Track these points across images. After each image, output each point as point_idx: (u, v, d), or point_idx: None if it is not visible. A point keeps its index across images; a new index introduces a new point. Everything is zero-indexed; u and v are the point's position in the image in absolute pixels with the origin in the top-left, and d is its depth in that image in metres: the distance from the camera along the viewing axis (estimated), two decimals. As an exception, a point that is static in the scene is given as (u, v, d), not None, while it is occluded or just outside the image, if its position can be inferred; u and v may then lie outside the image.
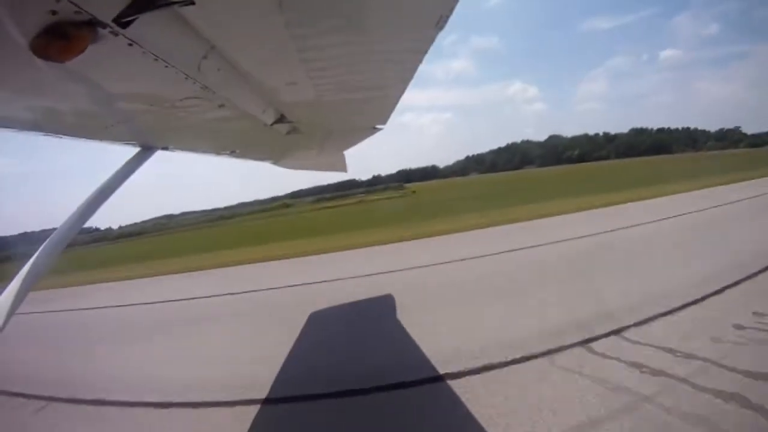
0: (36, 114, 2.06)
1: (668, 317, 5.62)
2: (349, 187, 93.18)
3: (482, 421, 3.85)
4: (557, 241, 11.91)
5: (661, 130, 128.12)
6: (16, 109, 1.95)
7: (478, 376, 4.78)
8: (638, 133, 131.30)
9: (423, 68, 2.32)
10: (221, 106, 2.35)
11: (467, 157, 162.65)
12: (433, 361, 5.23)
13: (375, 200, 61.27)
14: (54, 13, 1.13)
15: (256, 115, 2.70)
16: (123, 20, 1.26)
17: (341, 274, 11.55)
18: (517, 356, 5.03)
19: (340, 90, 2.59)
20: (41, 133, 2.31)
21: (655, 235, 11.49)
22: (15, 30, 1.16)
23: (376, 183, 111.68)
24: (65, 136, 2.47)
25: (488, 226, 17.23)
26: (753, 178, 21.96)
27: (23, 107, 1.95)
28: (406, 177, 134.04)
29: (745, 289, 6.34)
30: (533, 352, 5.08)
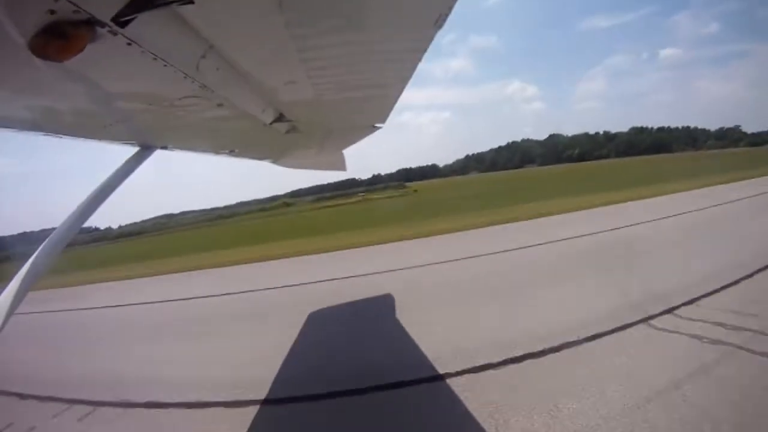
0: (35, 113, 2.06)
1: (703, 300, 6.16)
2: (349, 186, 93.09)
3: (590, 384, 4.27)
4: (577, 236, 12.26)
5: (661, 129, 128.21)
6: (15, 108, 1.95)
7: (584, 345, 5.25)
8: (638, 132, 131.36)
9: (422, 67, 2.32)
10: (220, 105, 2.35)
11: (467, 156, 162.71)
12: (529, 340, 5.49)
13: (377, 199, 60.81)
14: (52, 12, 1.13)
15: (255, 114, 2.70)
16: (121, 19, 1.26)
17: (360, 271, 11.60)
18: (591, 334, 5.47)
19: (339, 89, 2.59)
20: (40, 133, 2.30)
21: (664, 232, 11.77)
22: (13, 29, 1.16)
23: (376, 182, 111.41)
24: (64, 136, 2.47)
25: (500, 223, 17.31)
26: (753, 177, 22.05)
27: (22, 107, 1.95)
28: (406, 176, 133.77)
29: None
30: (605, 329, 5.55)
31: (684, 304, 6.04)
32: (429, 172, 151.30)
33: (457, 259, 11.43)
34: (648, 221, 13.36)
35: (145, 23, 1.32)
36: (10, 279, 2.25)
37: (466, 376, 4.87)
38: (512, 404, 4.13)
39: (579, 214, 17.06)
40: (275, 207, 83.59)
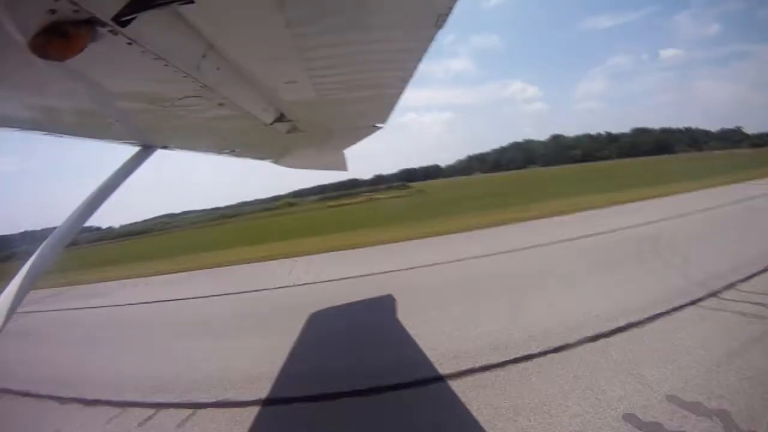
0: (36, 113, 2.06)
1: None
2: (351, 186, 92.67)
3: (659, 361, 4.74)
4: (608, 231, 12.76)
5: (663, 130, 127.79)
6: (17, 108, 1.96)
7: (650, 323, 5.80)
8: (641, 132, 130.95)
9: (423, 67, 2.32)
10: (221, 105, 2.35)
11: (469, 157, 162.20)
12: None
13: (383, 199, 60.06)
14: (53, 12, 1.13)
15: (256, 113, 2.70)
16: (122, 19, 1.26)
17: (429, 261, 11.80)
18: (651, 314, 6.06)
19: (340, 89, 2.59)
20: (42, 133, 2.31)
21: (692, 227, 12.30)
22: (14, 29, 1.16)
23: (379, 182, 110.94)
24: (66, 135, 2.48)
25: (528, 220, 17.45)
26: (757, 178, 22.09)
27: (23, 106, 1.96)
28: (408, 176, 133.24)
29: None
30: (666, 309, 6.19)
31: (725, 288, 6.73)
32: (432, 173, 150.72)
33: (508, 251, 11.81)
34: (678, 216, 13.79)
35: (145, 23, 1.32)
36: (11, 278, 2.26)
37: (603, 340, 5.48)
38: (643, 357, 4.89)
39: (603, 211, 17.33)
40: (279, 207, 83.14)
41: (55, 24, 1.17)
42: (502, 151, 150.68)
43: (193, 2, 1.28)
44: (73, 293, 15.15)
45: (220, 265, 17.04)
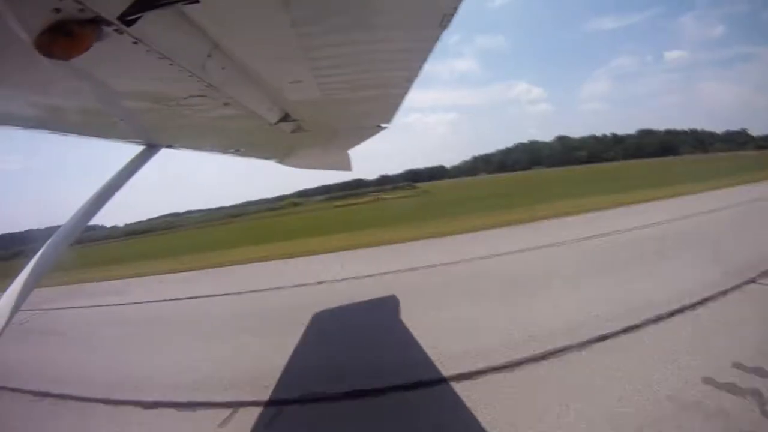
0: (41, 112, 2.07)
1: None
2: (357, 186, 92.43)
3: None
4: (621, 231, 12.88)
5: (669, 132, 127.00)
6: (22, 107, 1.96)
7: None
8: (646, 134, 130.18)
9: (428, 68, 2.31)
10: (226, 104, 2.35)
11: (474, 158, 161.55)
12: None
13: (390, 199, 59.43)
14: (58, 11, 1.13)
15: (261, 113, 2.70)
16: (127, 18, 1.26)
17: (474, 254, 11.93)
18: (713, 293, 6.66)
19: (345, 89, 2.59)
20: (47, 131, 2.32)
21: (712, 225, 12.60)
22: (19, 28, 1.16)
23: (384, 183, 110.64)
24: (71, 134, 2.49)
25: (546, 218, 17.46)
26: (762, 180, 21.98)
27: (28, 105, 1.97)
28: (413, 177, 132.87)
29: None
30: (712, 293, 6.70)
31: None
32: (437, 173, 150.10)
33: (539, 247, 11.98)
34: (694, 215, 13.96)
35: (151, 22, 1.32)
36: (16, 275, 2.26)
37: (680, 315, 6.09)
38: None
39: (613, 212, 17.33)
40: (285, 206, 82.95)
41: (61, 23, 1.17)
42: (508, 152, 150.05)
43: (198, 2, 1.28)
44: (87, 290, 15.22)
45: (250, 261, 16.92)
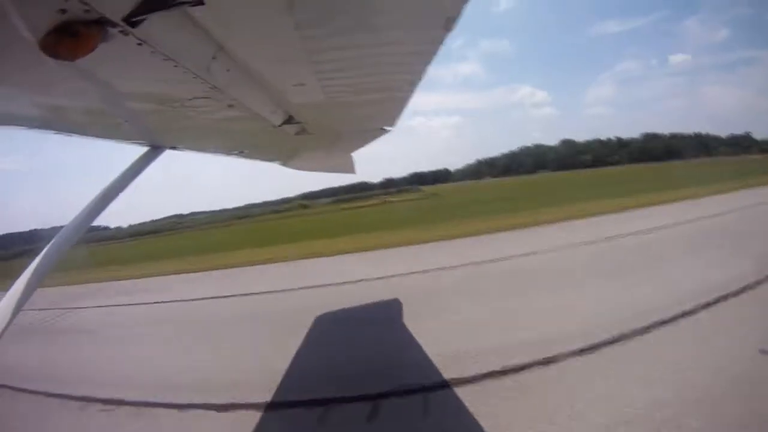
0: (46, 112, 2.08)
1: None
2: (361, 189, 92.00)
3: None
4: (655, 228, 13.39)
5: (673, 136, 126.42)
6: (26, 107, 1.97)
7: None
8: (651, 138, 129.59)
9: (432, 71, 2.30)
10: (230, 106, 2.35)
11: (478, 161, 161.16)
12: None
13: (397, 202, 59.25)
14: (63, 11, 1.13)
15: (265, 115, 2.70)
16: (133, 19, 1.26)
17: (513, 252, 12.44)
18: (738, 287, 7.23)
19: (349, 91, 2.58)
20: (51, 131, 2.33)
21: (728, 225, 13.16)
22: (24, 28, 1.17)
23: (389, 186, 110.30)
24: (75, 135, 2.50)
25: (562, 220, 17.80)
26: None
27: (33, 105, 1.97)
28: (418, 180, 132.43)
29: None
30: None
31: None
32: (441, 177, 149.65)
33: (544, 251, 12.26)
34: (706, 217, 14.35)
35: (156, 24, 1.32)
36: (19, 275, 2.27)
37: (711, 308, 6.57)
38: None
39: (617, 216, 17.52)
40: (292, 209, 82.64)
41: (66, 24, 1.17)
42: (513, 155, 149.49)
43: (203, 3, 1.28)
44: (118, 288, 15.63)
45: (275, 261, 17.35)
